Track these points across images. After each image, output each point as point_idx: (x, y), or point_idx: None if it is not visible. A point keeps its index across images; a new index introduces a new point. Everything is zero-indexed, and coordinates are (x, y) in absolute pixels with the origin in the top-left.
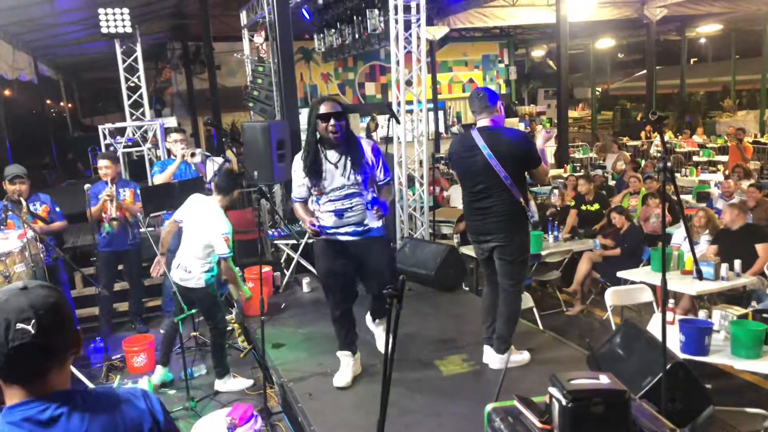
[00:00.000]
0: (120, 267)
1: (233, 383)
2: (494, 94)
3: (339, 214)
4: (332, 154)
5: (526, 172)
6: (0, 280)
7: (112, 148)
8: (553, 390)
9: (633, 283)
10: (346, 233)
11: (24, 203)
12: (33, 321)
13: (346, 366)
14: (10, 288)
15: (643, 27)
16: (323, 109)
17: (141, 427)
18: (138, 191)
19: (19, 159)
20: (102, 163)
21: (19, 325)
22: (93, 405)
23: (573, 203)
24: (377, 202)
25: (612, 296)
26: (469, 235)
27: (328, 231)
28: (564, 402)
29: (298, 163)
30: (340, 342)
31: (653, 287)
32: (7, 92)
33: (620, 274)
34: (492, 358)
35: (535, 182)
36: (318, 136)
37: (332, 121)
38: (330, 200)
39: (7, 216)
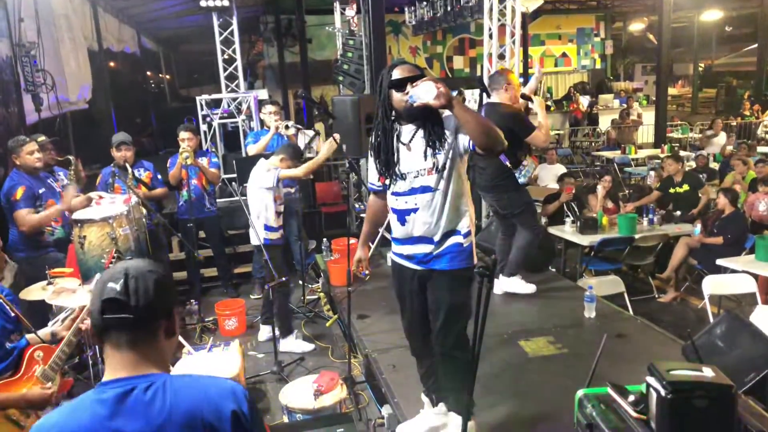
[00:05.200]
0: (201, 234)
1: (295, 344)
2: (506, 78)
3: (401, 217)
4: (406, 131)
5: (522, 140)
6: (107, 241)
7: (195, 121)
8: (651, 380)
9: (734, 271)
10: (408, 257)
11: (129, 169)
12: (121, 281)
13: (421, 415)
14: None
15: None
16: (397, 74)
17: (223, 424)
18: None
19: (122, 127)
20: (184, 135)
21: (110, 284)
22: (177, 392)
23: (658, 185)
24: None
25: (711, 285)
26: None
27: (396, 248)
28: (663, 393)
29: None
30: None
31: (757, 277)
32: (112, 64)
33: (720, 261)
34: (501, 280)
35: (536, 146)
36: (392, 111)
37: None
38: (394, 193)
39: (114, 181)
